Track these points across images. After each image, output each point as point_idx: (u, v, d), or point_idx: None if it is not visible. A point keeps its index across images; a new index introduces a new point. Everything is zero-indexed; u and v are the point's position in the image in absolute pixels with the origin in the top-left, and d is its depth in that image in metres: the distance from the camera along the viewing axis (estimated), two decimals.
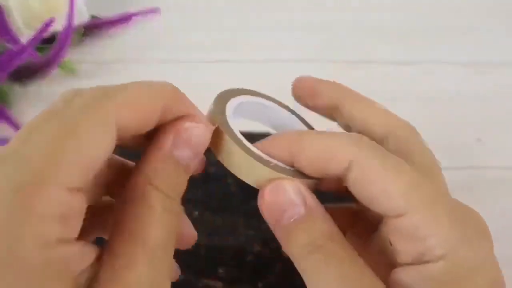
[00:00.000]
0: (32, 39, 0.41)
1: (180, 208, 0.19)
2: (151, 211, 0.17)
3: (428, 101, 0.44)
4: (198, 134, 0.19)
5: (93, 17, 0.52)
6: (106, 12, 0.53)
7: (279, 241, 0.20)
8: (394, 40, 0.51)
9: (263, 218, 0.20)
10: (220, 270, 0.30)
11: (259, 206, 0.20)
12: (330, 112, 0.25)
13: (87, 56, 0.49)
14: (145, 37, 0.52)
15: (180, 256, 0.31)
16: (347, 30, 0.53)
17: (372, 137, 0.20)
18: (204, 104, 0.45)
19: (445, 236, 0.18)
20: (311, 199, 0.19)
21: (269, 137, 0.21)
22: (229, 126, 0.21)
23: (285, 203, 0.19)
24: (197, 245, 0.32)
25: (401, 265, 0.19)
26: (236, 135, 0.20)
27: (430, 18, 0.55)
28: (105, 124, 0.16)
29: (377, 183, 0.18)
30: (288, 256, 0.20)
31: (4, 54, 0.42)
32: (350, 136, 0.20)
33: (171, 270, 0.20)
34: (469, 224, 0.19)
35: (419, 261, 0.18)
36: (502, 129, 0.41)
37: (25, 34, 0.44)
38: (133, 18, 0.53)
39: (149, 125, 0.18)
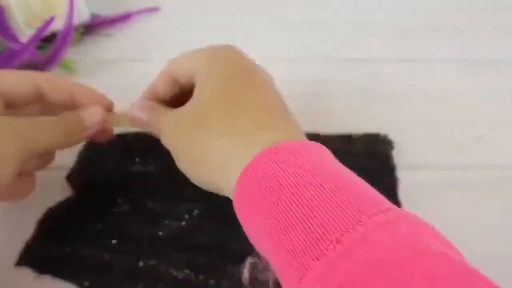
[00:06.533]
0: (33, 38, 0.41)
1: None
2: None
3: (427, 99, 0.44)
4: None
5: (93, 15, 0.52)
6: (106, 11, 0.53)
7: None
8: (393, 38, 0.51)
9: None
10: (222, 269, 0.30)
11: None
12: None
13: (87, 54, 0.49)
14: (144, 36, 0.52)
15: (182, 254, 0.31)
16: (346, 28, 0.53)
17: None
18: None
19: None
20: None
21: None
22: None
23: None
24: (198, 244, 0.32)
25: None
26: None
27: (430, 16, 0.55)
28: None
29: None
30: None
31: (4, 53, 0.42)
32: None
33: None
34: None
35: None
36: (503, 127, 0.41)
37: (25, 33, 0.44)
38: (133, 17, 0.54)
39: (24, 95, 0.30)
